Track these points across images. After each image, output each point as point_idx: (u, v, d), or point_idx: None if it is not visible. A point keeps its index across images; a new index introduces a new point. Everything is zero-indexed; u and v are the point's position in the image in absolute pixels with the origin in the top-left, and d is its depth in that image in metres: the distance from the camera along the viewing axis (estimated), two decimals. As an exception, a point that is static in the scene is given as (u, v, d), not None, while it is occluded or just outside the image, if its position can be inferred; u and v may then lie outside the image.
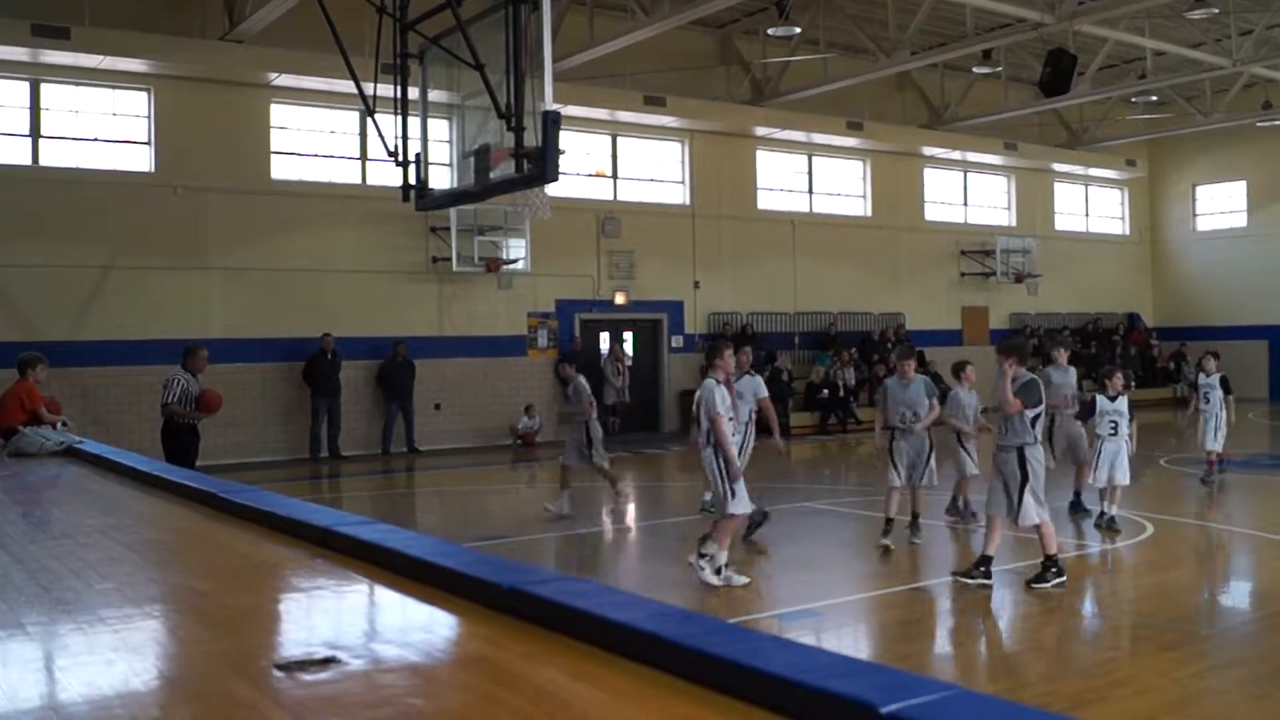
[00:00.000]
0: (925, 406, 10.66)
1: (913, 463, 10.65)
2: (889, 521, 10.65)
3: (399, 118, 9.48)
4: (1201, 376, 14.92)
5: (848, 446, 21.82)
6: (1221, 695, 6.48)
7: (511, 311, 22.08)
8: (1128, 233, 33.61)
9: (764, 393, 11.54)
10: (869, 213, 27.53)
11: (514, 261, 21.29)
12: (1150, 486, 14.68)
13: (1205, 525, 11.74)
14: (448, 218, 20.02)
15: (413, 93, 9.55)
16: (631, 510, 14.48)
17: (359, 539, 3.16)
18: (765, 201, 25.77)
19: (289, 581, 3.25)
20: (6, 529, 4.18)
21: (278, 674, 2.14)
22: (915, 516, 10.94)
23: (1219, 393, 14.53)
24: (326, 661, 2.16)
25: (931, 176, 28.93)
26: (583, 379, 13.23)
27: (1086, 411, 11.51)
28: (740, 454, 10.72)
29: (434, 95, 9.79)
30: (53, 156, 18.24)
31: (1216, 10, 21.30)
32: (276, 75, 19.19)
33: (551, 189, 11.40)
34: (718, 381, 9.03)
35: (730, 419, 9.12)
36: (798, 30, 22.36)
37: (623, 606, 2.24)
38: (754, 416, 11.45)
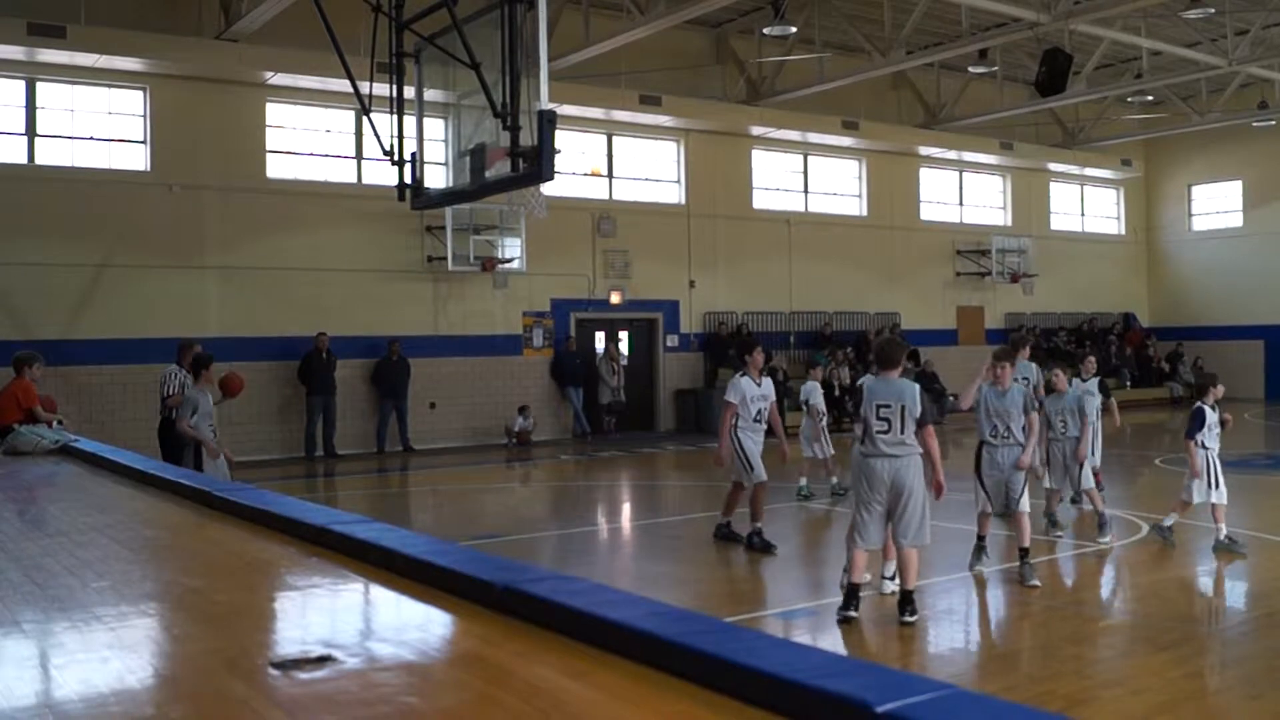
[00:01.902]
0: (1021, 418, 9.28)
1: (999, 484, 9.30)
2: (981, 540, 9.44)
3: (394, 117, 9.48)
4: (1075, 383, 12.17)
5: (843, 445, 21.80)
6: (1216, 695, 6.49)
7: (507, 311, 22.08)
8: (1123, 232, 33.64)
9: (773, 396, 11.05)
10: (864, 212, 27.55)
11: (509, 261, 21.30)
12: (1146, 486, 14.70)
13: (1200, 525, 11.74)
14: (443, 217, 20.01)
15: (408, 92, 9.55)
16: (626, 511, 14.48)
17: (354, 537, 3.16)
18: (761, 201, 25.77)
19: (284, 580, 3.25)
20: (2, 527, 4.18)
21: (273, 672, 2.14)
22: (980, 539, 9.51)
23: (1098, 400, 12.32)
24: (322, 660, 2.16)
25: (927, 176, 28.96)
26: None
27: (1194, 425, 10.13)
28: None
29: (430, 94, 9.80)
30: (49, 155, 18.22)
31: (1213, 10, 21.33)
32: (272, 74, 19.18)
33: (547, 188, 11.44)
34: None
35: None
36: (793, 30, 22.37)
37: (618, 605, 2.24)
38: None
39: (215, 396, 10.95)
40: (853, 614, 7.89)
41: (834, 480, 13.94)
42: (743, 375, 10.71)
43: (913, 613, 7.89)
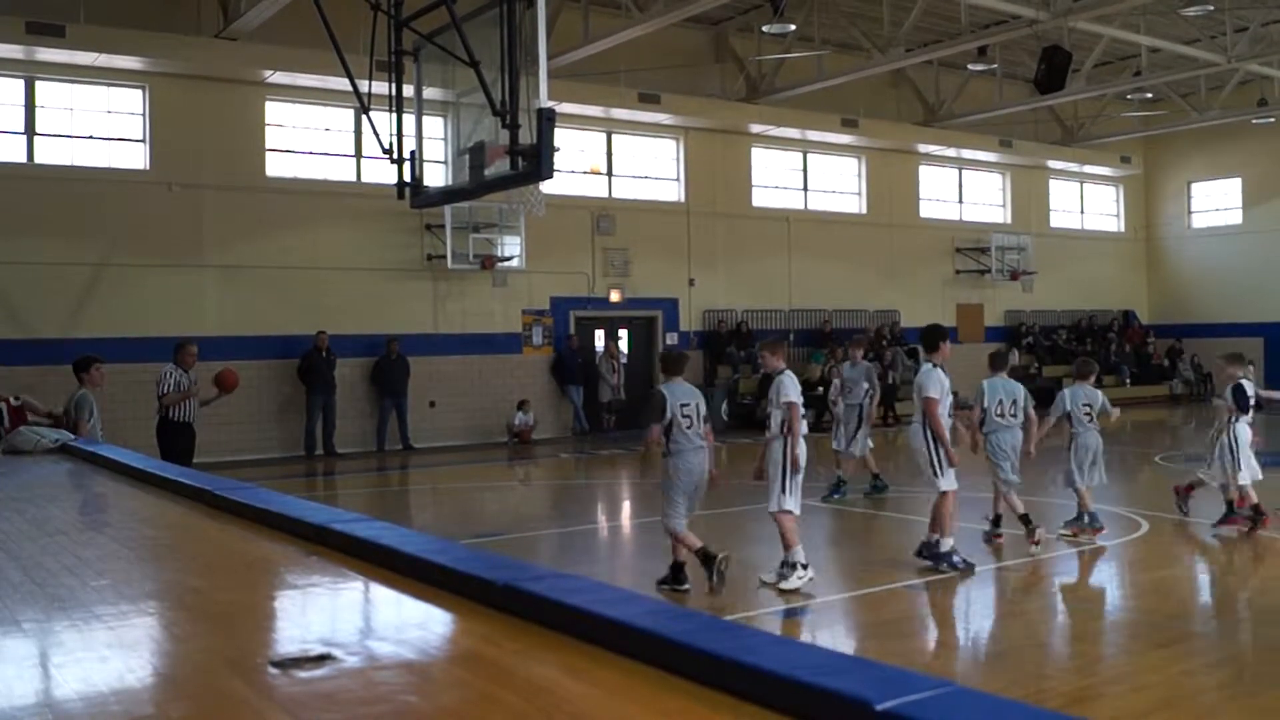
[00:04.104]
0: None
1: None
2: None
3: (394, 115, 9.48)
4: (846, 367, 13.59)
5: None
6: (1214, 692, 6.49)
7: (506, 309, 22.08)
8: (1123, 230, 33.64)
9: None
10: (864, 210, 27.54)
11: (509, 259, 21.29)
12: (1145, 484, 14.69)
13: (1199, 522, 11.77)
14: (443, 215, 20.00)
15: (407, 90, 9.55)
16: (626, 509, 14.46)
17: (354, 536, 3.16)
18: (760, 199, 25.77)
19: (284, 578, 3.25)
20: (2, 526, 4.17)
21: (273, 671, 2.13)
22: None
23: (864, 386, 13.32)
24: (322, 658, 2.16)
25: (926, 173, 28.95)
26: None
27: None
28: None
29: (429, 92, 9.79)
30: (48, 154, 18.21)
31: (1212, 7, 21.32)
32: (271, 72, 19.17)
33: (546, 186, 11.41)
34: None
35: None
36: (792, 27, 22.36)
37: (617, 603, 2.24)
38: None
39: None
40: (686, 588, 8.59)
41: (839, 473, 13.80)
42: (935, 366, 9.52)
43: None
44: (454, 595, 2.60)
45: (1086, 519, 10.64)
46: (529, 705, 1.91)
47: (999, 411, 10.30)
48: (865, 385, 13.35)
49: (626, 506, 15.37)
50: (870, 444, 13.48)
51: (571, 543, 11.96)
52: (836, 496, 13.34)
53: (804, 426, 8.89)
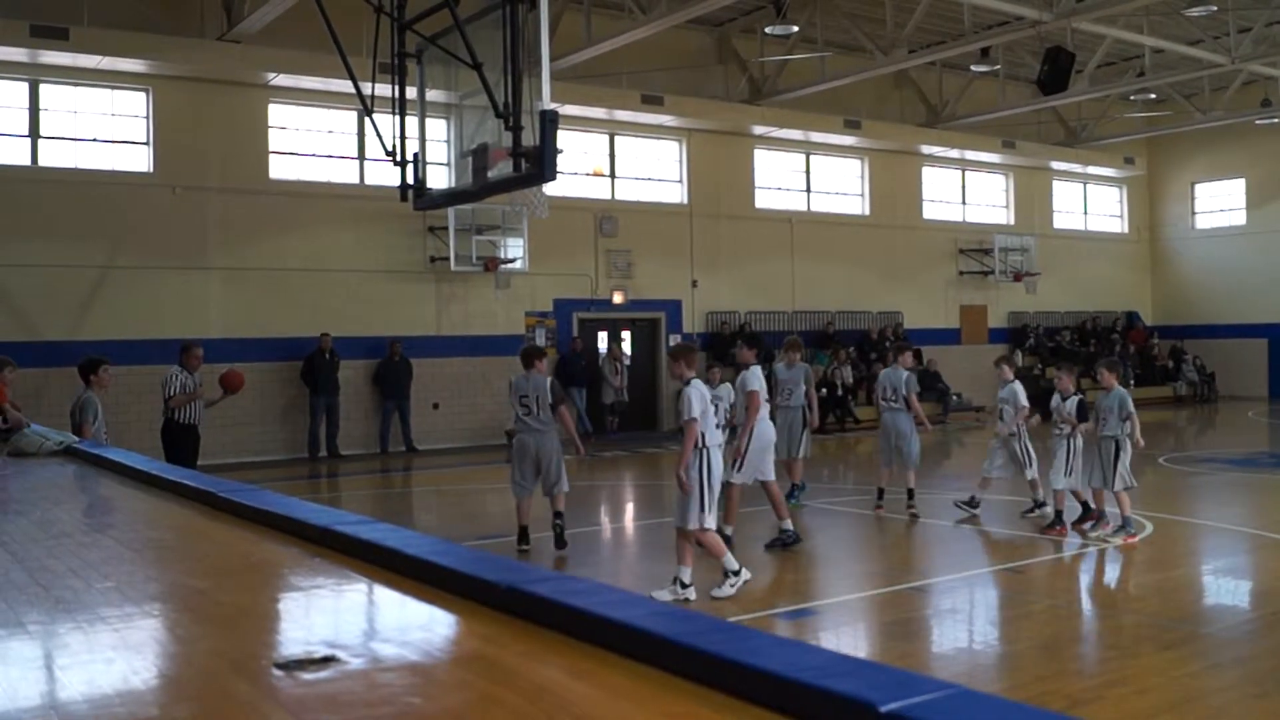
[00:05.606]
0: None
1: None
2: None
3: (397, 117, 9.49)
4: (781, 369, 13.13)
5: (845, 445, 21.81)
6: (1220, 694, 6.48)
7: (509, 311, 22.09)
8: (1126, 231, 33.62)
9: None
10: (867, 211, 27.54)
11: (512, 261, 21.30)
12: (1149, 485, 14.68)
13: (1204, 524, 11.76)
14: (446, 217, 20.02)
15: (410, 92, 9.57)
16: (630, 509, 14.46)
17: (358, 538, 3.16)
18: (763, 200, 25.77)
19: (288, 580, 3.25)
20: (6, 527, 4.18)
21: (277, 673, 2.14)
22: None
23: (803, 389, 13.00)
24: (326, 660, 2.16)
25: (929, 175, 28.94)
26: None
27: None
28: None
29: (432, 95, 9.81)
30: (52, 157, 18.25)
31: (1215, 8, 21.31)
32: (275, 75, 19.19)
33: (549, 188, 11.44)
34: None
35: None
36: (795, 29, 22.38)
37: (621, 605, 2.24)
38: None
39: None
40: (526, 548, 10.37)
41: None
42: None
43: (562, 544, 10.44)
44: (457, 597, 2.60)
45: (1125, 522, 10.70)
46: (532, 707, 1.91)
47: (884, 397, 12.35)
48: (804, 388, 12.96)
49: (630, 508, 15.38)
50: (808, 452, 13.25)
51: (574, 544, 11.95)
52: (793, 501, 13.04)
53: (719, 437, 8.80)
